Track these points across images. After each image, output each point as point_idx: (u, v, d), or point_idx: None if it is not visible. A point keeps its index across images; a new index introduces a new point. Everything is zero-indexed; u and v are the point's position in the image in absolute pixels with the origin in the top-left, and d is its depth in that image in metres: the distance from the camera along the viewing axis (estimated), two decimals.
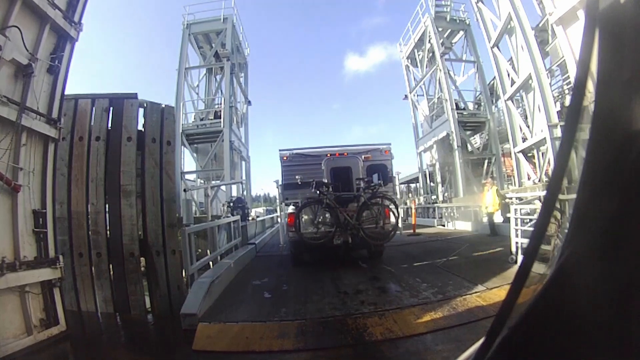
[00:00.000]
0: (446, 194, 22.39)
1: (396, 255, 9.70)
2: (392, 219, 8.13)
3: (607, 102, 0.73)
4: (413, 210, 16.03)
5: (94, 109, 8.45)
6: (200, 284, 6.26)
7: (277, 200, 10.14)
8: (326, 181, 8.48)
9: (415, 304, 5.53)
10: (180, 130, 18.11)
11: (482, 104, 22.06)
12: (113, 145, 8.34)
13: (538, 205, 8.57)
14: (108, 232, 7.82)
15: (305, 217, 8.18)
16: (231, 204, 13.14)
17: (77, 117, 8.18)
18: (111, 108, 8.46)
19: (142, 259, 7.52)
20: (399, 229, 8.66)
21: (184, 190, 8.06)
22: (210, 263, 8.20)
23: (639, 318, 0.67)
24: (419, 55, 25.16)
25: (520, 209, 8.14)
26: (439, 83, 21.83)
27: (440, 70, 21.08)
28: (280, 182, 9.39)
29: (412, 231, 14.73)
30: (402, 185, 72.13)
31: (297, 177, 8.75)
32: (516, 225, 7.86)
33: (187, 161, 19.72)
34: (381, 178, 8.78)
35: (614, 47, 0.74)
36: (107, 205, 8.06)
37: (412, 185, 74.89)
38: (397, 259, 9.22)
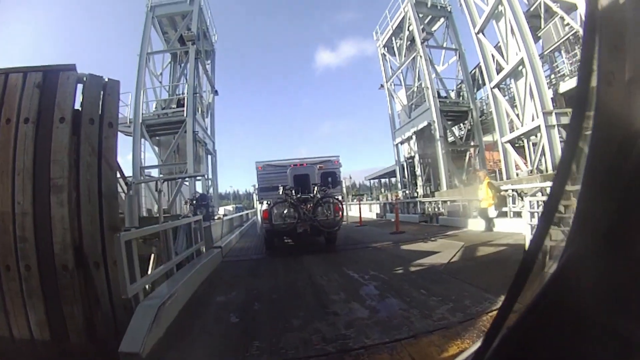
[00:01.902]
0: (426, 188, 21.34)
1: (383, 258, 8.50)
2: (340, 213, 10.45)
3: (608, 103, 0.73)
4: (395, 206, 14.67)
5: (25, 84, 6.68)
6: (145, 308, 4.71)
7: (255, 200, 13.15)
8: (291, 185, 10.90)
9: (433, 328, 4.12)
10: (140, 121, 16.28)
11: (464, 92, 21.14)
12: (43, 128, 6.59)
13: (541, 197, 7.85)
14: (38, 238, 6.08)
15: (276, 212, 10.05)
16: (194, 202, 11.51)
17: (6, 95, 6.41)
18: (45, 83, 6.70)
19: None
20: (345, 219, 11.74)
21: (126, 184, 6.33)
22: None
23: (639, 318, 0.67)
24: (396, 43, 24.04)
25: (537, 201, 6.96)
26: (419, 71, 20.76)
27: (421, 57, 19.96)
28: (257, 186, 12.14)
29: (395, 229, 13.44)
30: (373, 181, 71.81)
31: (269, 182, 11.82)
32: (532, 219, 6.69)
33: (149, 157, 17.82)
34: (331, 182, 11.61)
35: (614, 46, 0.75)
36: (34, 204, 6.30)
37: (383, 181, 74.36)
38: (386, 262, 7.96)
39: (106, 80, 7.21)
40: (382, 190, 70.44)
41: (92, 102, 6.79)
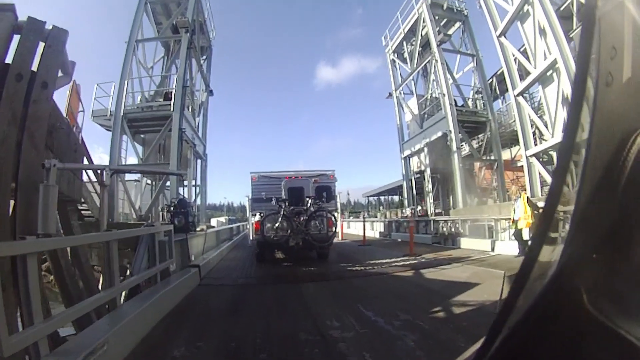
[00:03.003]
0: (437, 205, 19.41)
1: (409, 291, 6.56)
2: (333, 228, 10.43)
3: (607, 102, 0.71)
4: (410, 224, 12.59)
5: None
6: None
7: (248, 211, 12.18)
8: (284, 197, 10.60)
9: None
10: (122, 113, 14.33)
11: (482, 102, 19.40)
12: None
13: None
14: None
15: (268, 223, 9.80)
16: (171, 209, 9.51)
17: None
18: None
19: None
20: (344, 237, 12.06)
21: (42, 166, 4.27)
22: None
23: (639, 318, 0.67)
24: (408, 48, 22.33)
25: None
26: (435, 76, 19.03)
27: (436, 60, 18.21)
28: (250, 197, 11.76)
29: (409, 252, 11.46)
30: (372, 198, 69.99)
31: (262, 193, 11.23)
32: None
33: (132, 156, 15.75)
34: (326, 196, 11.02)
35: (612, 46, 0.74)
36: None
37: (383, 198, 72.45)
38: (415, 297, 6.06)
39: (50, 28, 5.34)
40: (381, 208, 68.48)
41: (24, 52, 4.93)
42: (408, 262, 9.89)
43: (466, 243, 12.96)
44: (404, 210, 23.31)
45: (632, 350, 0.63)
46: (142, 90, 16.00)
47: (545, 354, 0.71)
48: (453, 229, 14.22)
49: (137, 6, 16.11)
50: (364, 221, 17.82)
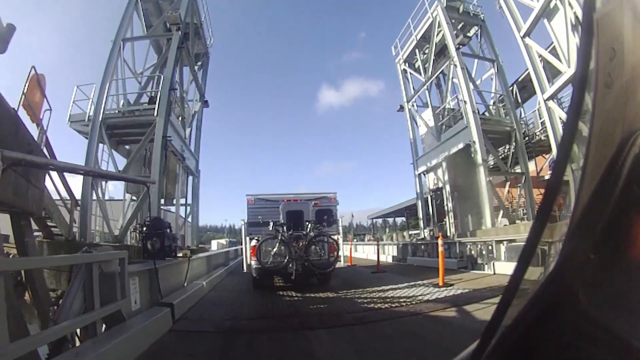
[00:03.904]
0: (456, 226, 17.30)
1: (465, 343, 4.40)
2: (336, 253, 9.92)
3: (607, 102, 0.72)
4: (440, 249, 10.42)
5: None
6: None
7: (243, 236, 11.23)
8: (282, 221, 10.19)
9: None
10: (100, 118, 12.54)
11: (504, 110, 17.63)
12: None
13: None
14: None
15: (265, 249, 9.34)
16: (144, 229, 7.61)
17: None
18: None
19: None
20: (339, 259, 10.49)
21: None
22: None
23: (638, 318, 0.67)
24: (420, 56, 20.64)
25: None
26: (452, 84, 17.28)
27: (455, 65, 16.43)
28: (246, 220, 10.87)
29: (439, 283, 9.38)
30: (378, 220, 67.65)
31: (259, 217, 10.48)
32: None
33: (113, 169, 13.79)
34: (327, 220, 10.60)
35: (612, 47, 0.74)
36: None
37: (389, 220, 70.01)
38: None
39: None
40: (387, 230, 66.07)
41: None
42: (442, 296, 7.84)
43: (502, 267, 10.86)
44: (417, 233, 21.11)
45: (630, 350, 0.63)
46: (125, 93, 14.14)
47: (541, 354, 0.70)
48: (484, 252, 12.12)
49: (127, 4, 14.55)
50: (377, 244, 15.51)
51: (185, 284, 8.09)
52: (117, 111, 13.43)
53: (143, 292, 6.02)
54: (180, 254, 8.61)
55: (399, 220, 68.10)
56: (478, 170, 14.53)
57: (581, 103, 0.68)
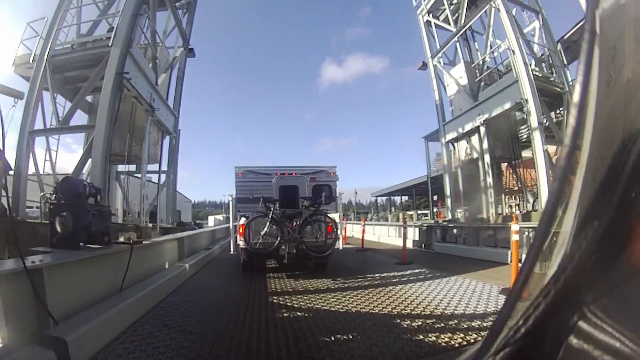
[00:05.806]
0: (494, 206, 14.23)
1: None
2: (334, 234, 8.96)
3: (609, 103, 0.72)
4: (514, 237, 7.25)
5: None
6: None
7: (230, 213, 10.21)
8: (274, 198, 9.01)
9: None
10: (46, 57, 9.41)
11: (553, 69, 14.43)
12: None
13: None
14: None
15: (254, 228, 8.50)
16: (54, 197, 4.62)
17: None
18: None
19: None
20: (337, 242, 9.21)
21: None
22: None
23: (639, 319, 0.67)
24: (449, 3, 17.17)
25: None
26: (492, 33, 13.98)
27: (498, 9, 13.10)
28: (234, 196, 9.73)
29: (508, 288, 6.43)
30: (382, 198, 64.67)
31: (250, 192, 9.21)
32: None
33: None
34: (325, 197, 9.36)
35: (613, 47, 0.73)
36: None
37: (396, 198, 66.98)
38: None
39: None
40: (393, 208, 63.08)
41: None
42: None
43: None
44: (425, 213, 17.94)
45: (632, 350, 0.63)
46: (79, 22, 10.90)
47: (544, 353, 0.70)
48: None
49: None
50: (404, 226, 12.32)
51: (122, 289, 5.05)
52: (69, 46, 10.17)
53: (9, 317, 3.04)
54: (121, 238, 5.59)
55: (404, 199, 65.62)
56: (533, 135, 11.39)
57: (584, 102, 0.66)
